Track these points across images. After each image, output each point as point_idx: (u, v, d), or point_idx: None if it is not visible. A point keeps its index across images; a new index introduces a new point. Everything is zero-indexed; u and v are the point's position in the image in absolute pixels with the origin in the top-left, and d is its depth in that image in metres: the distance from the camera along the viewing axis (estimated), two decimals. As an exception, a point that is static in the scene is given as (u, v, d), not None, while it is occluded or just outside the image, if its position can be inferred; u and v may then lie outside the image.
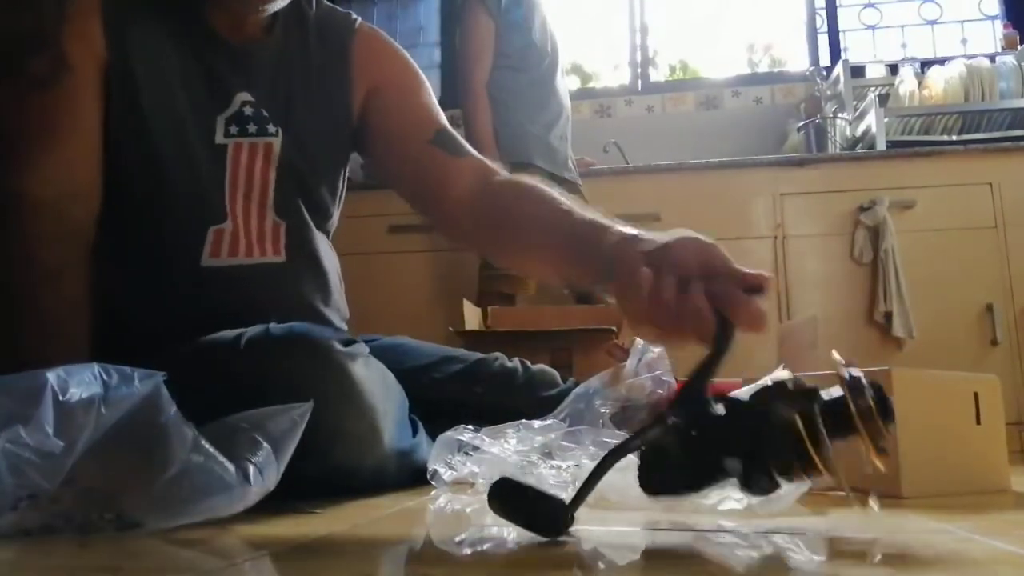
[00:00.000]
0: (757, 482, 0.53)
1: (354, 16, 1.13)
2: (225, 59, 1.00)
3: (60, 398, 0.51)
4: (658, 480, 0.57)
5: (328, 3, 1.13)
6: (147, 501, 0.55)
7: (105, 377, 0.54)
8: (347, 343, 0.87)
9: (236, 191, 0.99)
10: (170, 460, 0.55)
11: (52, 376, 0.51)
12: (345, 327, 1.13)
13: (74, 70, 0.88)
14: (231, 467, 0.58)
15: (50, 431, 0.49)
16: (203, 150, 0.97)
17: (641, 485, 0.57)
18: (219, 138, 0.98)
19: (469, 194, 0.98)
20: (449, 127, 1.08)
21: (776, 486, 0.53)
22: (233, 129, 0.98)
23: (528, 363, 1.23)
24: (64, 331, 0.90)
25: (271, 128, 1.00)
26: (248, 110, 0.99)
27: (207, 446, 0.57)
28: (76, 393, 0.52)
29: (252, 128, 0.99)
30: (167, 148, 0.95)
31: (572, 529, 0.56)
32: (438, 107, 1.11)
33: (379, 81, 1.11)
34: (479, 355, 1.21)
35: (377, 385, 0.86)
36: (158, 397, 0.56)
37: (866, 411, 0.51)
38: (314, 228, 1.07)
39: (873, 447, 0.51)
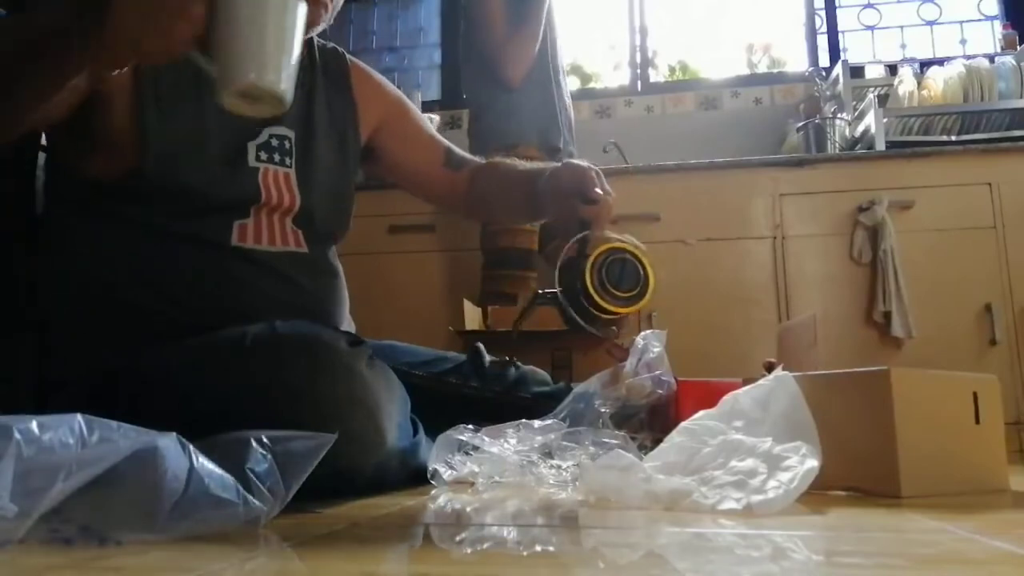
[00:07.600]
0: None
1: (340, 48, 1.23)
2: None
3: (24, 455, 0.47)
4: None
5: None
6: (144, 531, 0.54)
7: (85, 433, 0.50)
8: (353, 343, 0.87)
9: (265, 207, 1.03)
10: (163, 506, 0.53)
11: (20, 431, 0.47)
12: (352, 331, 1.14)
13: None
14: (233, 485, 0.57)
15: (5, 495, 0.46)
16: (237, 168, 1.02)
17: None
18: (251, 161, 1.04)
19: (466, 186, 1.31)
20: (448, 144, 1.33)
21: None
22: (263, 155, 1.05)
23: (518, 362, 1.26)
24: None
25: (288, 161, 1.08)
26: (275, 141, 1.06)
27: (203, 471, 0.56)
28: (46, 450, 0.48)
29: (277, 157, 1.06)
30: (201, 162, 0.99)
31: (573, 528, 0.56)
32: (428, 122, 1.32)
33: (382, 115, 1.24)
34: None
35: (382, 386, 0.86)
36: (148, 457, 0.53)
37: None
38: (328, 244, 1.14)
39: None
